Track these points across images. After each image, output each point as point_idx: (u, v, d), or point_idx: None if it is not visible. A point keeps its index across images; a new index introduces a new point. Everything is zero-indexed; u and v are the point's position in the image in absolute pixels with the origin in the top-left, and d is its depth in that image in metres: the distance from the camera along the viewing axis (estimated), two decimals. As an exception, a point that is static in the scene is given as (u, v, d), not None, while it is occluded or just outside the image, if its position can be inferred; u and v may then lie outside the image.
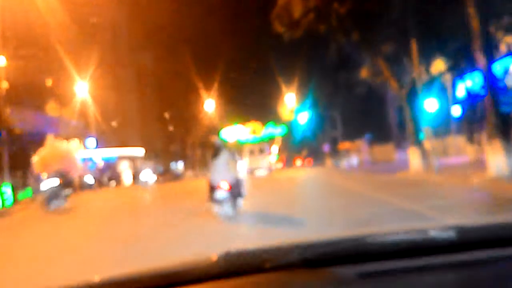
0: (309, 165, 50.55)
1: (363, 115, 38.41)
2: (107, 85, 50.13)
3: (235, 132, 46.55)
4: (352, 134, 39.04)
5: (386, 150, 40.17)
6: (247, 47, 42.90)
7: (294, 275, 1.12)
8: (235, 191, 8.48)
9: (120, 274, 1.20)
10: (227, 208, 8.35)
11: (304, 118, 40.24)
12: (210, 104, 44.81)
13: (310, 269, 1.14)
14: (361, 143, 38.13)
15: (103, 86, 49.05)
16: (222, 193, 8.29)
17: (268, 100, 42.65)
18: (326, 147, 40.90)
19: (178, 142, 49.98)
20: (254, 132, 46.42)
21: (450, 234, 1.23)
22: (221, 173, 8.42)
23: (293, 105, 40.48)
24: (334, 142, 40.25)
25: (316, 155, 47.27)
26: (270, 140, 47.43)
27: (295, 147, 48.74)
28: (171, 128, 51.09)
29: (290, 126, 44.21)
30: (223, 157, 8.61)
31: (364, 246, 1.23)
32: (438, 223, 3.23)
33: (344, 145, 38.68)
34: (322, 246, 1.25)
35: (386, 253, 1.19)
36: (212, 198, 8.43)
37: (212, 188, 8.41)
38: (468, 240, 1.22)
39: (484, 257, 1.15)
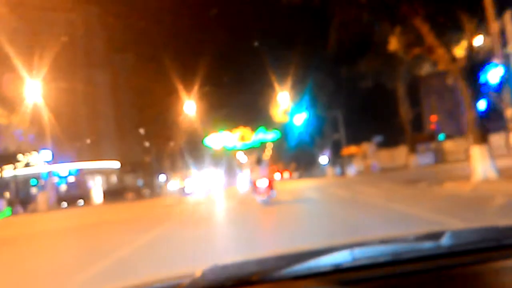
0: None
1: (370, 115, 32.98)
2: (75, 91, 44.35)
3: (221, 139, 40.72)
4: (357, 137, 33.55)
5: (397, 155, 34.87)
6: (232, 40, 37.24)
7: (281, 286, 1.11)
8: (271, 186, 12.71)
9: None
10: (265, 198, 12.57)
11: (300, 120, 34.59)
12: (191, 109, 38.79)
13: (297, 280, 1.12)
14: (369, 147, 32.59)
15: (69, 92, 43.30)
16: (262, 187, 12.59)
17: (258, 101, 36.93)
18: (326, 153, 35.26)
19: (156, 153, 43.95)
20: (242, 138, 40.65)
21: (436, 241, 1.24)
22: (262, 174, 12.76)
23: (287, 106, 34.81)
24: (336, 147, 34.63)
25: (313, 164, 41.59)
26: (261, 146, 41.70)
27: (290, 154, 42.96)
28: (148, 137, 45.08)
29: (284, 130, 38.48)
30: (264, 163, 13.34)
31: (351, 255, 1.19)
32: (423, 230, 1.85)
33: (349, 149, 33.12)
34: (308, 256, 1.22)
35: (374, 262, 1.17)
36: (255, 191, 12.86)
37: (255, 184, 12.76)
38: (452, 245, 1.22)
39: (469, 261, 1.15)
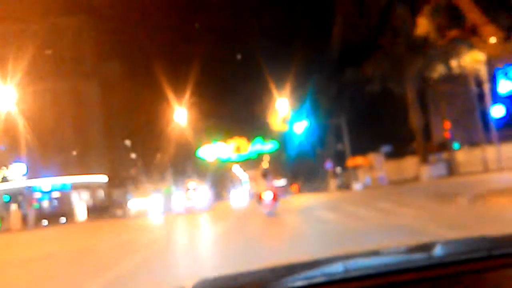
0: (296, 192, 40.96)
1: (376, 122, 30.30)
2: (58, 101, 41.67)
3: (215, 151, 37.83)
4: (362, 146, 30.77)
5: (405, 166, 32.12)
6: (226, 44, 34.64)
7: None
8: (275, 198, 13.58)
9: None
10: (269, 208, 13.30)
11: (300, 128, 31.81)
12: (183, 119, 35.82)
13: None
14: (376, 158, 29.81)
15: (52, 102, 40.65)
16: (267, 199, 13.34)
17: (255, 109, 34.17)
18: (328, 165, 32.42)
19: (144, 165, 41.01)
20: (238, 149, 37.81)
21: (427, 252, 1.23)
22: (268, 187, 13.57)
23: (286, 114, 32.04)
24: (340, 158, 31.82)
25: (314, 177, 38.75)
26: (258, 158, 38.85)
27: (288, 166, 40.04)
28: (137, 149, 42.15)
29: (283, 140, 35.67)
30: (270, 176, 14.30)
31: (343, 267, 1.19)
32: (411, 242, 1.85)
33: (354, 160, 30.29)
34: (300, 268, 1.22)
35: (366, 273, 1.15)
36: (261, 202, 13.56)
37: (261, 196, 13.49)
38: (443, 256, 1.21)
39: (460, 271, 1.14)
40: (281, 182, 34.48)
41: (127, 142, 41.27)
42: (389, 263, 1.19)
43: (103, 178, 45.15)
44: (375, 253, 1.35)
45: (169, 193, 26.65)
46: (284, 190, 31.88)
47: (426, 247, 1.26)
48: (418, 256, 1.23)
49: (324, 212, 12.34)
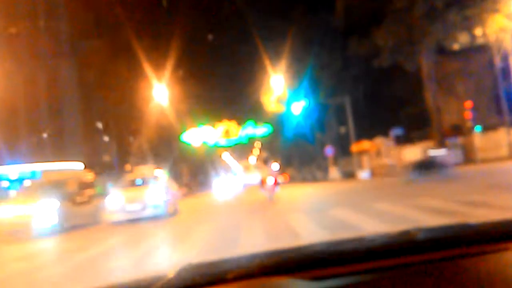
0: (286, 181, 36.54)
1: (384, 102, 26.74)
2: (28, 81, 37.57)
3: (201, 135, 34.00)
4: (368, 129, 27.21)
5: (412, 152, 28.59)
6: (212, 14, 30.51)
7: (256, 283, 1.11)
8: (276, 183, 14.71)
9: None
10: (271, 192, 14.55)
11: (297, 109, 28.09)
12: (164, 100, 31.76)
13: (271, 276, 1.13)
14: (384, 142, 26.24)
15: (20, 82, 36.58)
16: (269, 184, 14.53)
17: (246, 88, 30.36)
18: (329, 150, 28.82)
19: (119, 151, 37.13)
20: (227, 133, 34.03)
21: (409, 238, 1.26)
22: (269, 172, 14.89)
23: (281, 92, 28.28)
24: (343, 143, 28.21)
25: (311, 164, 35.17)
26: (250, 143, 35.11)
27: (284, 152, 36.37)
28: (115, 133, 38.22)
29: (278, 123, 31.90)
30: (270, 163, 15.83)
31: (325, 253, 1.23)
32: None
33: (360, 145, 26.67)
34: (282, 254, 1.26)
35: (348, 258, 1.18)
36: (262, 187, 14.88)
37: (263, 181, 14.80)
38: (424, 242, 1.22)
39: (439, 257, 1.14)
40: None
41: (105, 126, 37.27)
42: (371, 249, 1.20)
43: (80, 166, 41.30)
44: (359, 239, 1.37)
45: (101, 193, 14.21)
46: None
47: (408, 234, 1.28)
48: (400, 242, 1.24)
49: (345, 212, 8.47)
